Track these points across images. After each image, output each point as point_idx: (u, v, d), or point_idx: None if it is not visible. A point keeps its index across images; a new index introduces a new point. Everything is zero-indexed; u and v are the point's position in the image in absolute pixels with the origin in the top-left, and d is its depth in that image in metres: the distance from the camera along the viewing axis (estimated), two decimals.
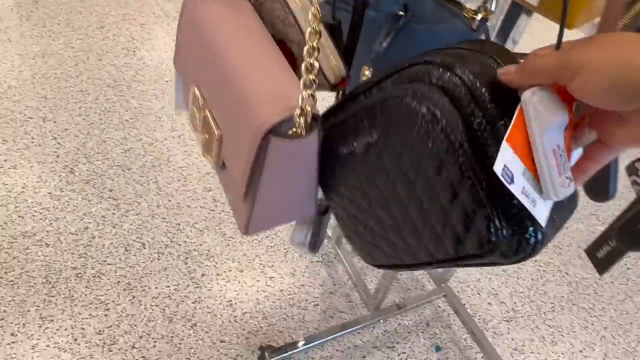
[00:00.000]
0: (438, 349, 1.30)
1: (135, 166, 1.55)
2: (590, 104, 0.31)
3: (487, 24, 0.61)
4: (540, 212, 0.38)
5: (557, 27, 0.36)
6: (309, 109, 0.42)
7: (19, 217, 1.37)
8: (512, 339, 1.36)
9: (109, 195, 1.46)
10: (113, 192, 1.47)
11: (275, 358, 1.15)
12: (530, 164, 0.37)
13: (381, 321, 1.31)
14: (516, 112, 0.36)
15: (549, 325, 1.41)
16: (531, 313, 1.43)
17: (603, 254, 0.58)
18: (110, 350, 1.15)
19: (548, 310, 1.45)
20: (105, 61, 1.90)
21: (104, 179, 1.50)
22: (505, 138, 0.35)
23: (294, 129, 0.43)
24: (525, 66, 0.34)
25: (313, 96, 0.43)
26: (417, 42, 0.65)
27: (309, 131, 0.43)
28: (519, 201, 0.37)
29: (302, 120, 0.42)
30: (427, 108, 0.37)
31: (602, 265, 0.59)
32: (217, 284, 1.31)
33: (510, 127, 0.35)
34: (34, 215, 1.37)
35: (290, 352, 1.19)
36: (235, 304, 1.29)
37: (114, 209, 1.43)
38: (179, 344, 1.19)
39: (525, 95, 0.35)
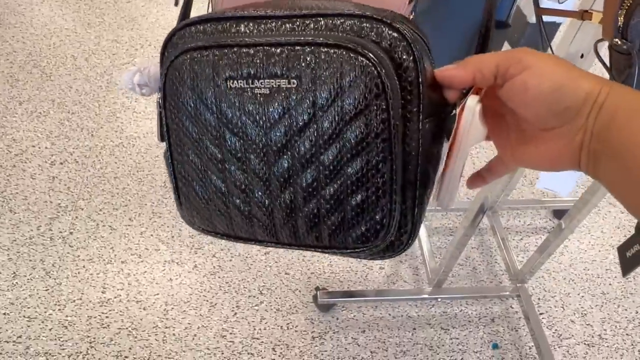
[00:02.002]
0: (496, 346, 1.23)
1: None
2: (519, 108, 0.31)
3: None
4: (422, 219, 0.37)
5: None
6: None
7: None
8: None
9: None
10: None
11: (326, 300, 1.22)
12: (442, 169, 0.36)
13: (439, 300, 1.28)
14: (457, 118, 0.34)
15: None
16: (622, 346, 1.26)
17: (631, 254, 0.53)
18: (196, 253, 1.34)
19: None
20: None
21: None
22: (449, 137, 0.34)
23: None
24: (471, 60, 0.33)
25: None
26: None
27: None
28: (415, 202, 0.35)
29: None
30: (372, 63, 0.32)
31: (628, 265, 0.53)
32: None
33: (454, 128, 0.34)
34: None
35: (342, 300, 1.25)
36: None
37: None
38: (251, 264, 1.33)
39: (472, 102, 0.33)
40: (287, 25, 0.34)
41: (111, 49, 1.91)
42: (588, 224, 1.51)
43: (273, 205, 0.37)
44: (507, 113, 0.35)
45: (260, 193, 0.37)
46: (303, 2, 0.37)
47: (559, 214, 1.52)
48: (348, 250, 0.37)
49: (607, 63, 0.50)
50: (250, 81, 0.34)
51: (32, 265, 1.29)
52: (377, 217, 0.35)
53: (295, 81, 0.33)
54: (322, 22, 0.34)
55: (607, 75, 0.52)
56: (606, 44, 0.49)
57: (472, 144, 0.33)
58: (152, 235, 1.37)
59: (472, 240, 1.45)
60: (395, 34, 0.32)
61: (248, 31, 0.35)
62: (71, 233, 1.36)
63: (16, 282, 1.26)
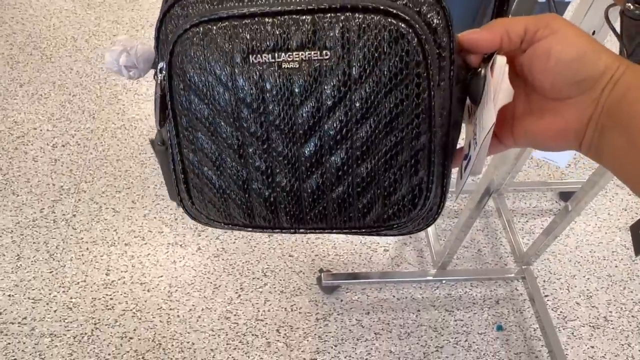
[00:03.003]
0: (500, 328, 1.23)
1: None
2: (538, 75, 0.31)
3: None
4: (458, 188, 0.35)
5: None
6: None
7: None
8: (592, 347, 1.22)
9: None
10: None
11: (330, 282, 1.22)
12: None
13: (444, 282, 1.28)
14: (485, 77, 0.32)
15: None
16: (627, 328, 1.25)
17: None
18: (199, 235, 1.34)
19: None
20: None
21: None
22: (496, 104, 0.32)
23: None
24: (498, 22, 0.32)
25: None
26: None
27: None
28: (444, 171, 0.34)
29: None
30: (414, 30, 0.30)
31: None
32: None
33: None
34: None
35: (346, 282, 1.25)
36: None
37: None
38: (255, 247, 1.33)
39: (502, 60, 0.32)
40: None
41: (112, 30, 1.89)
42: (595, 206, 1.49)
43: (300, 190, 0.34)
44: (517, 81, 0.34)
45: (285, 177, 0.34)
46: None
47: (565, 196, 1.50)
48: (382, 229, 0.35)
49: (618, 31, 0.48)
50: (276, 54, 0.30)
51: (35, 248, 1.29)
52: (413, 192, 0.33)
53: (327, 52, 0.30)
54: None
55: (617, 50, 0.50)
56: (617, 10, 0.47)
57: (502, 104, 0.31)
58: (155, 217, 1.37)
59: (477, 223, 1.44)
60: None
61: None
62: (74, 215, 1.36)
63: (20, 265, 1.26)
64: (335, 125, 0.31)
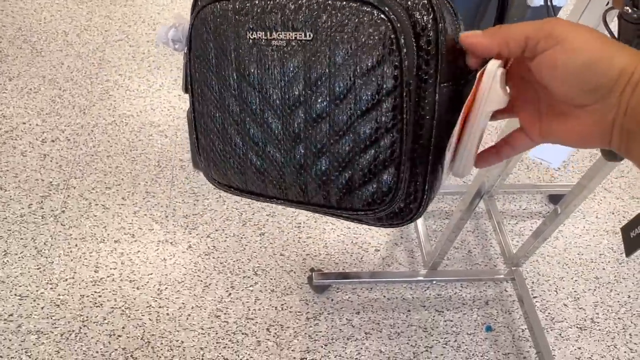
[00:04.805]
0: (489, 329, 1.24)
1: None
2: (549, 84, 0.30)
3: None
4: (435, 189, 0.35)
5: None
6: None
7: (152, 109, 1.61)
8: (579, 348, 1.23)
9: None
10: None
11: (321, 281, 1.22)
12: (457, 137, 0.34)
13: (434, 282, 1.29)
14: (476, 81, 0.32)
15: (630, 349, 1.24)
16: (613, 330, 1.27)
17: (635, 234, 0.52)
18: (190, 233, 1.33)
19: (636, 334, 1.27)
20: None
21: None
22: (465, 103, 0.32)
23: None
24: (499, 30, 0.31)
25: None
26: None
27: None
28: (426, 169, 0.34)
29: None
30: (387, 18, 0.31)
31: (632, 245, 0.53)
32: None
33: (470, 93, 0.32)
34: (162, 110, 1.61)
35: (337, 281, 1.25)
36: (303, 227, 1.37)
37: None
38: (246, 245, 1.32)
39: (492, 66, 0.31)
40: None
41: (104, 25, 1.87)
42: (583, 209, 1.51)
43: (285, 161, 0.37)
44: (537, 83, 0.33)
45: (273, 148, 0.37)
46: None
47: (554, 198, 1.52)
48: (355, 212, 0.37)
49: (615, 34, 0.48)
50: (268, 33, 0.34)
51: (23, 244, 1.27)
52: (384, 178, 0.34)
53: (311, 34, 0.32)
54: None
55: None
56: (614, 13, 0.47)
57: (491, 110, 0.32)
58: (145, 214, 1.36)
59: (468, 224, 1.45)
60: None
61: None
62: (63, 211, 1.34)
63: (7, 260, 1.24)
64: (317, 102, 0.34)
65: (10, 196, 1.35)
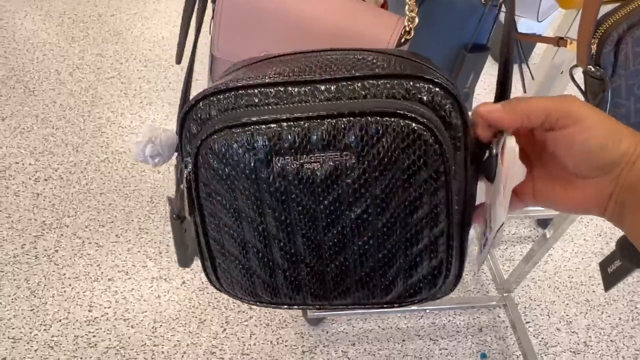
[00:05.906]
0: (484, 356, 1.25)
1: None
2: (563, 157, 0.32)
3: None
4: (479, 262, 0.38)
5: None
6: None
7: None
8: None
9: None
10: None
11: (315, 314, 1.22)
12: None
13: (428, 311, 1.30)
14: (499, 158, 0.33)
15: None
16: (606, 353, 1.28)
17: (612, 270, 0.54)
18: (184, 269, 1.34)
19: (629, 356, 1.28)
20: None
21: None
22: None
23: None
24: (519, 105, 0.33)
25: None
26: (437, 10, 0.64)
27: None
28: (462, 244, 0.36)
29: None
30: (425, 127, 0.31)
31: (610, 280, 0.55)
32: None
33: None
34: None
35: (331, 313, 1.25)
36: None
37: None
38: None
39: (511, 142, 0.32)
40: (324, 92, 0.32)
41: (96, 63, 1.90)
42: (571, 232, 1.54)
43: (323, 273, 0.36)
44: (535, 150, 0.35)
45: (309, 262, 0.36)
46: (323, 56, 0.35)
47: (542, 222, 1.54)
48: (404, 304, 0.38)
49: (582, 87, 0.52)
50: (298, 157, 0.32)
51: (16, 285, 1.27)
52: (433, 272, 0.36)
53: (347, 153, 0.31)
54: (359, 84, 0.32)
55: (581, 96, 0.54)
56: (580, 69, 0.51)
57: (514, 184, 0.33)
58: (139, 251, 1.36)
59: None
60: (437, 89, 0.32)
61: (282, 100, 0.33)
62: (56, 251, 1.34)
63: (0, 302, 1.23)
64: (355, 217, 0.33)
65: (3, 237, 1.36)
